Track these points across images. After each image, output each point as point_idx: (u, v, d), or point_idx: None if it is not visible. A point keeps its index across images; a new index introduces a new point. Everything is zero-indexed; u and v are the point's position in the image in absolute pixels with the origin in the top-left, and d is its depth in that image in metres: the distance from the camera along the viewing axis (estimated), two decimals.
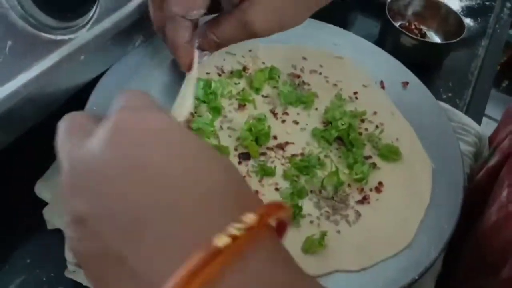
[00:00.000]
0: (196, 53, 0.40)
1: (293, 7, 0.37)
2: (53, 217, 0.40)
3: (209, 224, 0.18)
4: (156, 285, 0.16)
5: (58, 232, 0.40)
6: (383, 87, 0.49)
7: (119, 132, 0.20)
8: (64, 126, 0.24)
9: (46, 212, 0.40)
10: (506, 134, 0.47)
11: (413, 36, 0.60)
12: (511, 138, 0.45)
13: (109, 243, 0.18)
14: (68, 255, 0.37)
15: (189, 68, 0.40)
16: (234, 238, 0.17)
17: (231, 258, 0.16)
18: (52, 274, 0.39)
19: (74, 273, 0.37)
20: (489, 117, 1.21)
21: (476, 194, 0.47)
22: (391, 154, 0.41)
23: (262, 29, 0.37)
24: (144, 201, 0.18)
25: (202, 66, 0.43)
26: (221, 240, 0.16)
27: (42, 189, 0.41)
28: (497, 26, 0.73)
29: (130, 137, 0.20)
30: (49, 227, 0.40)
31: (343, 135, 0.42)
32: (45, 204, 0.41)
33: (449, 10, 0.64)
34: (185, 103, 0.39)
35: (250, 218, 0.17)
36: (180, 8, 0.35)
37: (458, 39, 0.59)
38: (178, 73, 0.46)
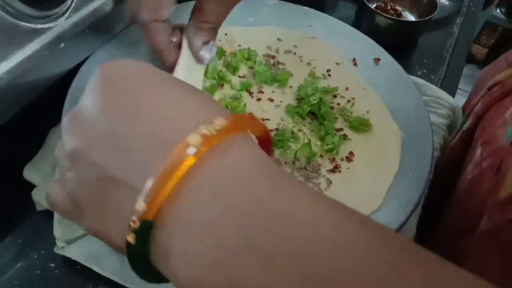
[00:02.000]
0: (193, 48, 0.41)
1: None
2: (42, 199, 0.42)
3: (184, 126, 0.19)
4: (141, 187, 0.18)
5: (47, 213, 0.42)
6: (355, 64, 0.50)
7: (101, 77, 0.22)
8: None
9: (35, 195, 0.42)
10: (478, 99, 0.49)
11: (387, 16, 0.62)
12: (482, 101, 0.47)
13: (99, 164, 0.20)
14: (57, 232, 0.39)
15: (170, 63, 0.41)
16: (206, 137, 0.18)
17: (204, 153, 0.18)
18: (42, 252, 0.40)
19: (62, 249, 0.39)
20: None
21: (452, 159, 0.49)
22: (361, 125, 0.43)
23: None
24: (124, 117, 0.20)
25: None
26: (193, 139, 0.18)
27: (30, 173, 0.43)
28: (471, 4, 0.74)
29: (110, 79, 0.22)
30: (38, 208, 0.42)
31: (315, 109, 0.43)
32: (33, 187, 0.43)
33: None
34: None
35: (220, 120, 0.19)
36: (149, 13, 0.37)
37: (430, 16, 0.61)
38: (157, 60, 0.48)
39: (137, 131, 0.20)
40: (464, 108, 0.56)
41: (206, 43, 0.41)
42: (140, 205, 0.18)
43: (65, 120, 0.23)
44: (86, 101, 0.22)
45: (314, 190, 0.19)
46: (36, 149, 0.44)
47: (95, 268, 0.38)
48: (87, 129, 0.21)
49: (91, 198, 0.21)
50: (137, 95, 0.21)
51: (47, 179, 0.42)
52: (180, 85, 0.22)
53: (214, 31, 0.41)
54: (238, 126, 0.20)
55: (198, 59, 0.41)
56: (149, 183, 0.18)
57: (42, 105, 0.44)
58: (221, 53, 0.48)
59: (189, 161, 0.18)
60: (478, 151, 0.43)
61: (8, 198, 0.43)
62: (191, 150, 0.18)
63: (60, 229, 0.39)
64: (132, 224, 0.18)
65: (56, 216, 0.39)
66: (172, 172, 0.18)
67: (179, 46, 0.41)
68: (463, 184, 0.43)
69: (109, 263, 0.38)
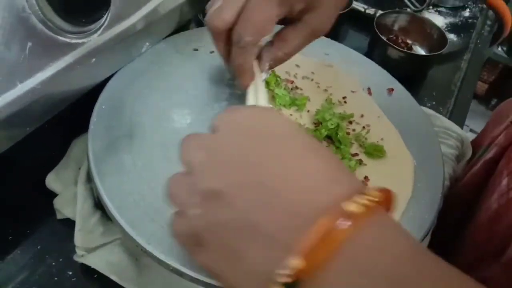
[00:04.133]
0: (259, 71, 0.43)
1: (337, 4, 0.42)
2: (63, 207, 0.43)
3: (336, 193, 0.20)
4: (291, 245, 0.19)
5: (67, 221, 0.43)
6: (370, 93, 0.52)
7: (247, 123, 0.24)
8: (185, 141, 0.26)
9: (56, 203, 0.43)
10: (500, 131, 0.51)
11: (399, 48, 0.64)
12: (506, 133, 0.49)
13: (242, 211, 0.21)
14: (77, 241, 0.40)
15: (247, 86, 0.43)
16: (366, 206, 0.19)
17: (362, 222, 0.19)
18: (60, 260, 0.41)
19: (82, 257, 0.40)
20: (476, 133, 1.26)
21: (471, 188, 0.50)
22: (376, 152, 0.45)
23: (325, 31, 0.42)
24: (274, 173, 0.21)
25: None
26: (352, 206, 0.19)
27: (52, 182, 0.44)
28: (478, 41, 0.77)
29: (257, 127, 0.23)
30: (59, 216, 0.43)
31: (332, 134, 0.45)
32: (55, 195, 0.44)
33: (432, 25, 0.68)
34: None
35: (375, 193, 0.20)
36: (254, 37, 0.38)
37: (441, 51, 0.64)
38: (180, 78, 0.50)
39: (291, 187, 0.21)
40: (478, 140, 0.58)
41: (272, 66, 0.43)
42: (297, 262, 0.18)
43: (199, 154, 0.24)
44: (229, 142, 0.23)
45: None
46: (59, 158, 0.46)
47: (113, 277, 0.38)
48: (232, 173, 0.22)
49: (220, 241, 0.22)
50: (289, 153, 0.22)
51: (68, 188, 0.43)
52: (324, 150, 0.23)
53: (282, 62, 0.44)
54: (387, 198, 0.21)
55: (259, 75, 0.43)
56: (307, 242, 0.18)
57: (67, 116, 0.45)
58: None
59: (346, 228, 0.19)
60: (505, 181, 0.44)
61: (30, 205, 0.44)
62: (347, 218, 0.19)
63: (80, 237, 0.40)
64: (281, 279, 0.19)
65: (78, 224, 0.40)
66: (331, 235, 0.18)
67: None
68: (486, 213, 0.44)
69: (127, 274, 0.39)
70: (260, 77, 0.43)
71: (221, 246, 0.22)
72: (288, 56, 0.43)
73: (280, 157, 0.22)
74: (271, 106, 0.44)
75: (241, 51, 0.39)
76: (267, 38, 0.40)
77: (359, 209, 0.19)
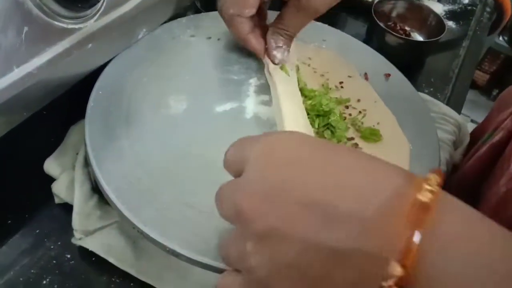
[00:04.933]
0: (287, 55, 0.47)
1: None
2: (61, 192, 0.43)
3: (403, 192, 0.20)
4: (383, 254, 0.19)
5: (65, 206, 0.43)
6: (366, 78, 0.52)
7: (272, 151, 0.23)
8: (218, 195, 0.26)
9: (54, 187, 0.43)
10: (506, 115, 0.50)
11: (397, 35, 0.64)
12: None
13: (311, 241, 0.20)
14: (75, 224, 0.40)
15: (263, 54, 0.47)
16: (432, 192, 0.19)
17: (439, 205, 0.19)
18: (59, 243, 0.42)
19: (80, 240, 0.40)
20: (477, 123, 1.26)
21: (477, 171, 0.50)
22: (372, 136, 0.45)
23: (322, 5, 0.44)
24: (321, 187, 0.21)
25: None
26: (425, 196, 0.19)
27: (50, 167, 0.44)
28: (477, 28, 0.77)
29: (288, 153, 0.23)
30: (57, 201, 0.44)
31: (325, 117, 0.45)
32: (53, 180, 0.44)
33: (430, 11, 0.68)
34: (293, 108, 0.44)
35: (435, 177, 0.20)
36: (235, 9, 0.43)
37: (438, 37, 0.64)
38: (176, 64, 0.50)
39: (343, 195, 0.20)
40: (483, 126, 0.58)
41: (279, 46, 0.47)
42: (396, 269, 0.18)
43: (244, 202, 0.22)
44: (262, 179, 0.22)
45: None
46: (57, 144, 0.46)
47: (111, 260, 0.39)
48: (281, 205, 0.21)
49: (294, 278, 0.21)
50: (328, 164, 0.22)
51: (66, 173, 0.44)
52: (350, 149, 0.24)
53: (289, 38, 0.47)
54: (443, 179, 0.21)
55: (271, 57, 0.47)
56: (398, 246, 0.18)
57: (64, 102, 0.46)
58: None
59: (428, 215, 0.19)
60: None
61: (28, 190, 0.44)
62: (424, 210, 0.19)
63: (78, 220, 0.40)
64: None
65: (75, 208, 0.41)
66: (414, 230, 0.18)
67: (259, 36, 0.47)
68: (494, 198, 0.44)
69: (125, 256, 0.39)
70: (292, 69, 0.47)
71: (298, 281, 0.21)
72: (287, 34, 0.46)
73: (322, 170, 0.21)
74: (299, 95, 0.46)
75: (230, 24, 0.45)
76: (251, 12, 0.44)
77: (430, 198, 0.19)
